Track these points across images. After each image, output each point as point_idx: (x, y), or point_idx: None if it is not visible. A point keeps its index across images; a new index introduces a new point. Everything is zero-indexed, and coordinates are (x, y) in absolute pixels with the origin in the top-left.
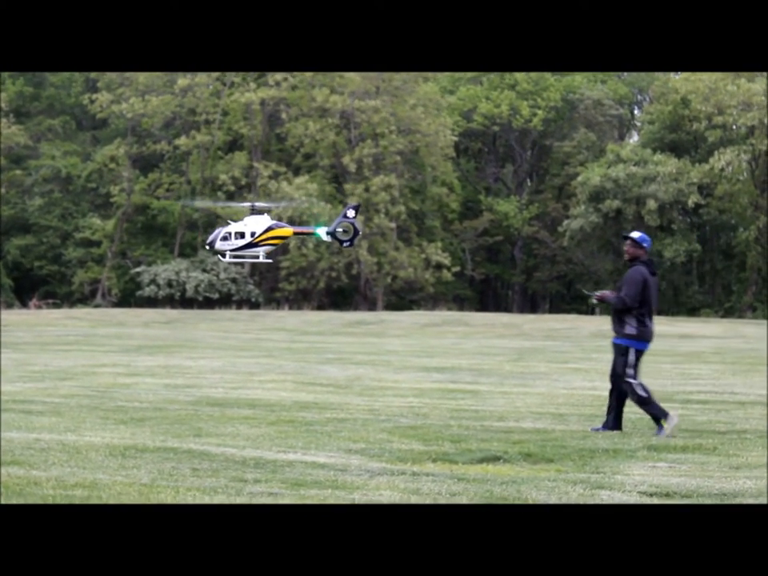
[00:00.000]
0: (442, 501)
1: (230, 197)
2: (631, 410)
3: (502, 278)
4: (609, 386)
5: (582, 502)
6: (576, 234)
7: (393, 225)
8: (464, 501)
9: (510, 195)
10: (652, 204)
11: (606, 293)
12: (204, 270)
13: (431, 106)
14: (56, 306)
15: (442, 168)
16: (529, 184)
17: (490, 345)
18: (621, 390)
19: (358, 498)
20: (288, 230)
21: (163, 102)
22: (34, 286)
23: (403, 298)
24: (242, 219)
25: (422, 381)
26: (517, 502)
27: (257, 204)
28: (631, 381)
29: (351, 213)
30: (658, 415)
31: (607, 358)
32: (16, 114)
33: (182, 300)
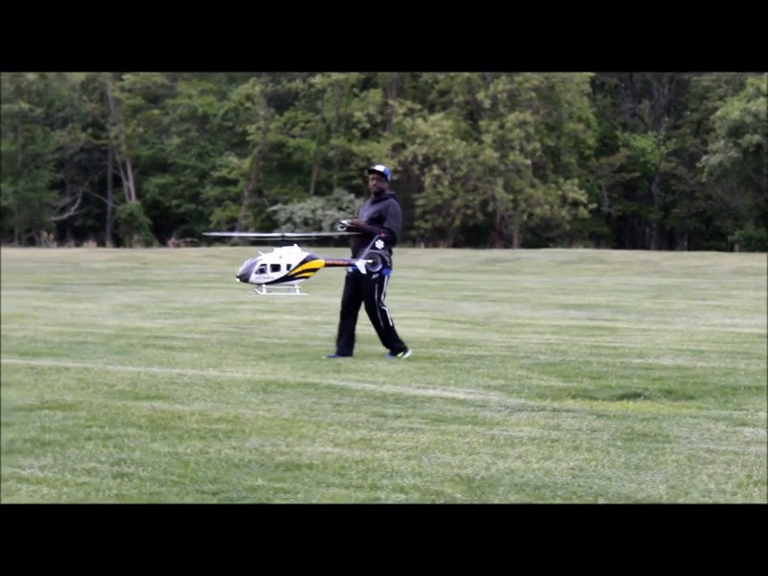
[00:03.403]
0: (583, 437)
1: (365, 134)
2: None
3: (639, 215)
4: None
5: (724, 439)
6: (715, 170)
7: (528, 162)
8: (605, 437)
9: (647, 131)
10: None
11: (359, 222)
12: (340, 209)
13: None
14: (194, 244)
15: (578, 104)
16: (666, 119)
17: (628, 282)
18: (355, 317)
19: (498, 433)
20: (320, 262)
21: None
22: (173, 224)
23: (539, 235)
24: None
25: (560, 318)
26: (658, 438)
27: (287, 234)
28: (385, 308)
29: (380, 244)
30: (399, 345)
31: (748, 295)
32: None
33: (318, 238)
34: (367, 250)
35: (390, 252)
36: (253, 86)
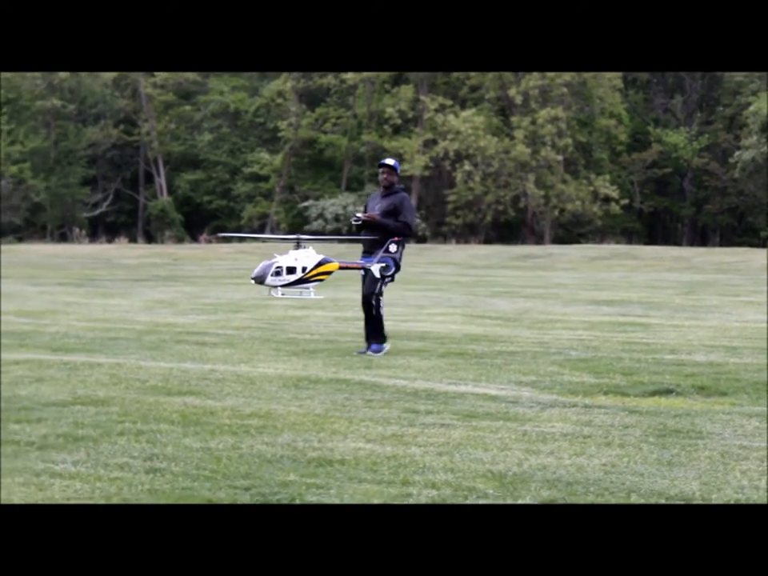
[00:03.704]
0: (615, 433)
1: (396, 130)
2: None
3: (671, 211)
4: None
5: (757, 435)
6: (748, 166)
7: (560, 157)
8: (637, 433)
9: (679, 126)
10: None
11: (374, 215)
12: None
13: None
14: (225, 240)
15: (609, 99)
16: (699, 115)
17: (660, 278)
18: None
19: (530, 429)
20: (335, 265)
21: None
22: (204, 220)
23: (570, 231)
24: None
25: (592, 314)
26: (691, 434)
27: (302, 236)
28: (381, 298)
29: (393, 247)
30: (383, 335)
31: None
32: None
33: (350, 234)
34: (380, 254)
35: (402, 247)
36: (284, 82)
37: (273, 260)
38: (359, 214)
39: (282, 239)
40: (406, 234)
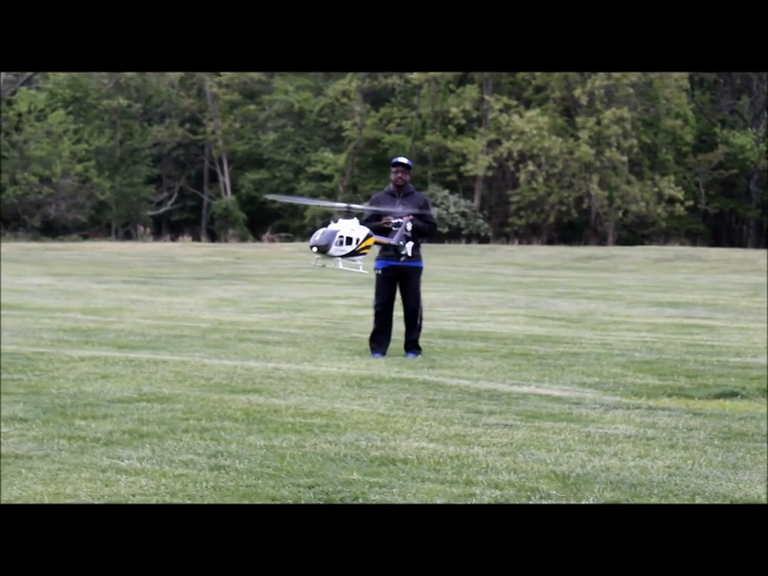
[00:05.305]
0: (679, 435)
1: (461, 130)
2: None
3: (736, 213)
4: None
5: None
6: None
7: (625, 158)
8: (702, 436)
9: (746, 127)
10: None
11: (417, 222)
12: (433, 204)
13: None
14: (288, 239)
15: (676, 100)
16: (766, 115)
17: (725, 280)
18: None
19: (593, 430)
20: (372, 239)
21: None
22: (267, 219)
23: (634, 232)
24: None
25: (656, 315)
26: (756, 437)
27: (353, 206)
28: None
29: (409, 226)
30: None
31: None
32: None
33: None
34: (401, 231)
35: (419, 246)
36: (349, 82)
37: (333, 228)
38: (399, 219)
39: (332, 206)
40: (434, 233)
